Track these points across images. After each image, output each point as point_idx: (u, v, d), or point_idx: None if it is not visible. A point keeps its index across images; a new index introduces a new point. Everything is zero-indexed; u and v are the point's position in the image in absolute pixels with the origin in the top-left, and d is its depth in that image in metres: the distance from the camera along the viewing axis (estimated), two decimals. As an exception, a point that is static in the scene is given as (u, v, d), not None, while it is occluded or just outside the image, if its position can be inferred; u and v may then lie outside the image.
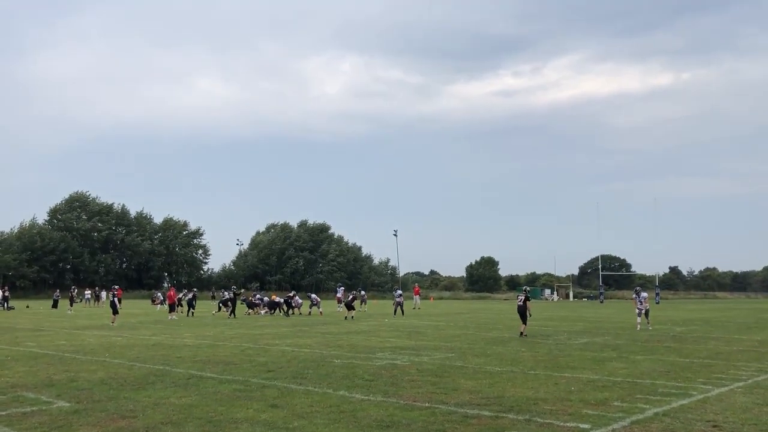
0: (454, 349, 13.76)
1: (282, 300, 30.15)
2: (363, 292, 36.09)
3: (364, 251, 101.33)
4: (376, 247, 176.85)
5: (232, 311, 27.26)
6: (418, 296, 42.10)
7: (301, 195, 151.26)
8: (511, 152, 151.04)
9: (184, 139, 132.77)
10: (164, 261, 77.68)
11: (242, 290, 68.34)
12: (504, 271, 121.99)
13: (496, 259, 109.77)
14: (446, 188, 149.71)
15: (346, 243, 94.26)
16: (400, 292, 29.88)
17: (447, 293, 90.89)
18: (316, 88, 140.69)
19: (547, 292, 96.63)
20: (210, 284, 74.91)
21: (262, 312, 29.39)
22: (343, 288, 38.25)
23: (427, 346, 14.40)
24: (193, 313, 29.31)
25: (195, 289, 33.93)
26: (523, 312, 17.39)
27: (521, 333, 17.19)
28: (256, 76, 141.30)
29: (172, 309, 26.98)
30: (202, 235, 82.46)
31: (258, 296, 33.32)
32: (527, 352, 13.19)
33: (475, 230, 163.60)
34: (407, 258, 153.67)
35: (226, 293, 38.63)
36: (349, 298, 26.78)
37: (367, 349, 13.85)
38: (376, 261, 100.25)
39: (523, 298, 17.75)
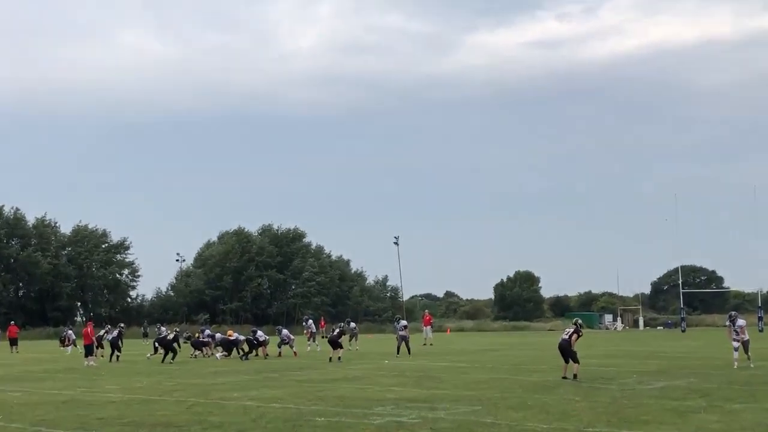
0: (482, 401, 13.79)
1: (241, 338, 30.20)
2: (353, 325, 36.13)
3: (354, 266, 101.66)
4: (371, 261, 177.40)
5: (173, 354, 27.33)
6: (429, 327, 42.21)
7: (264, 191, 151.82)
8: (554, 127, 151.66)
9: (101, 114, 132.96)
10: (76, 286, 77.71)
11: (181, 325, 68.39)
12: (547, 290, 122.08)
13: (536, 275, 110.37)
14: (465, 180, 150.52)
15: (328, 256, 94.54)
16: (404, 323, 29.84)
17: (469, 323, 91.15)
18: (284, 41, 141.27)
19: (608, 318, 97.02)
20: (141, 317, 74.92)
21: (218, 355, 29.45)
22: (311, 320, 38.08)
23: (443, 397, 14.43)
24: (118, 357, 29.36)
25: (121, 325, 33.98)
26: (566, 350, 17.48)
27: (574, 375, 17.31)
28: (201, 26, 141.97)
29: (89, 352, 26.97)
30: (128, 248, 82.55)
31: (207, 332, 33.36)
32: (582, 402, 13.23)
33: (507, 236, 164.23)
34: (413, 275, 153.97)
35: (163, 329, 38.70)
36: (334, 333, 26.86)
37: (362, 402, 13.87)
38: (370, 280, 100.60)
39: (571, 332, 17.83)
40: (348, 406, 13.35)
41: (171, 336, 28.48)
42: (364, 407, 13.06)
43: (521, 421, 11.19)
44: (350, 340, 34.73)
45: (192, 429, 10.96)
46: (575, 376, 17.27)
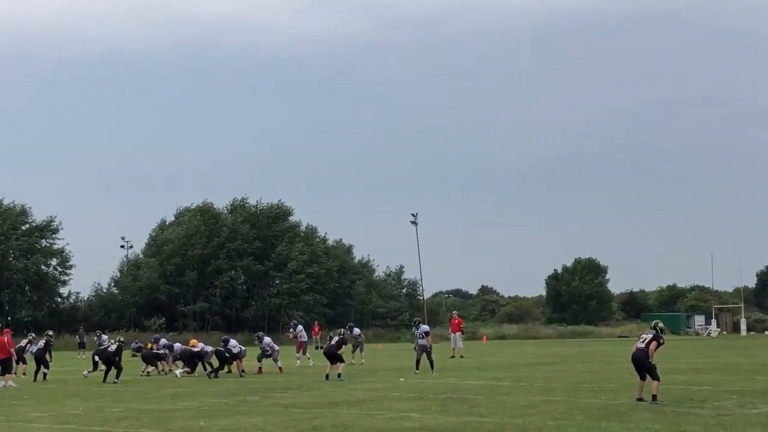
0: (529, 430, 13.81)
1: (208, 349, 30.34)
2: (357, 331, 36.23)
3: (358, 254, 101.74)
4: (380, 248, 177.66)
5: (118, 371, 27.48)
6: (459, 335, 42.26)
7: (237, 155, 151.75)
8: (622, 69, 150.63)
9: (17, 50, 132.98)
10: (-13, 280, 78.25)
11: (128, 332, 68.61)
12: (617, 284, 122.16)
13: (602, 264, 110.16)
14: (505, 141, 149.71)
15: (323, 240, 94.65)
16: (425, 328, 29.76)
17: (513, 328, 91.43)
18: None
19: (699, 320, 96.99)
20: (75, 322, 75.52)
21: (177, 371, 29.62)
22: (301, 326, 37.85)
23: (478, 427, 14.45)
24: (45, 374, 29.53)
25: (49, 333, 34.13)
26: (643, 362, 17.47)
27: (653, 397, 17.34)
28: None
29: (6, 369, 27.12)
30: (56, 231, 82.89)
31: (163, 342, 33.49)
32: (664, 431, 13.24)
33: (562, 214, 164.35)
34: (437, 266, 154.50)
35: (104, 338, 38.84)
36: (332, 342, 26.90)
37: (369, 433, 13.90)
38: (379, 272, 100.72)
39: (649, 339, 17.78)
40: (351, 438, 13.38)
41: (114, 347, 28.63)
42: (372, 440, 13.09)
43: (583, 457, 11.20)
44: (353, 352, 34.78)
45: (144, 469, 11.04)
46: (654, 397, 17.29)
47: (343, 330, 30.12)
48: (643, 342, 17.93)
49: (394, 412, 17.00)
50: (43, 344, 30.81)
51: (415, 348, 29.39)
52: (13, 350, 27.83)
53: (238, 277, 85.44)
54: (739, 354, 39.31)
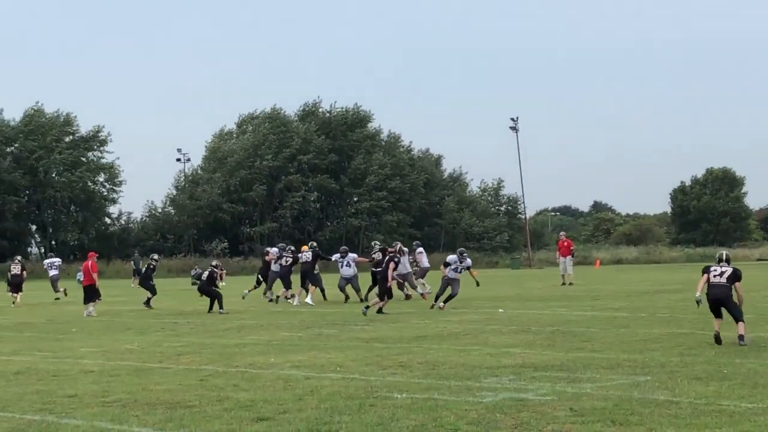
0: (651, 368, 13.77)
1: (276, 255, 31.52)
2: (420, 250, 35.23)
3: (449, 167, 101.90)
4: (475, 158, 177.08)
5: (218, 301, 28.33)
6: (569, 258, 42.12)
7: (306, 51, 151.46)
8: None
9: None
10: (28, 200, 79.98)
11: (180, 256, 69.85)
12: (756, 199, 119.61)
13: (739, 175, 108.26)
14: (620, 25, 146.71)
15: (408, 150, 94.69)
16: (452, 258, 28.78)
17: (632, 251, 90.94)
18: None
19: None
20: (127, 245, 77.17)
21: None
22: (420, 249, 37.10)
23: (591, 362, 14.45)
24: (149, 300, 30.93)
25: (155, 257, 34.81)
26: (726, 301, 16.58)
27: (740, 337, 16.30)
28: None
29: (89, 296, 28.95)
30: (104, 143, 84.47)
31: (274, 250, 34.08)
32: (812, 370, 13.08)
33: (690, 116, 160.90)
34: (542, 179, 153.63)
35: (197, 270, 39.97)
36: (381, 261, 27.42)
37: (463, 371, 14.05)
38: (473, 187, 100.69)
39: (729, 273, 16.75)
40: (443, 376, 13.52)
41: (206, 274, 29.34)
42: (467, 378, 13.21)
43: (713, 397, 11.15)
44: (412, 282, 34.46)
45: (208, 410, 11.27)
46: (742, 337, 16.31)
47: (394, 246, 29.93)
48: (721, 276, 16.88)
49: (492, 347, 17.09)
50: (144, 270, 33.20)
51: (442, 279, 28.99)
52: (96, 276, 29.45)
53: (311, 195, 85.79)
54: None
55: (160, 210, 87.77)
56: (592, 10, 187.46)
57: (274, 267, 32.62)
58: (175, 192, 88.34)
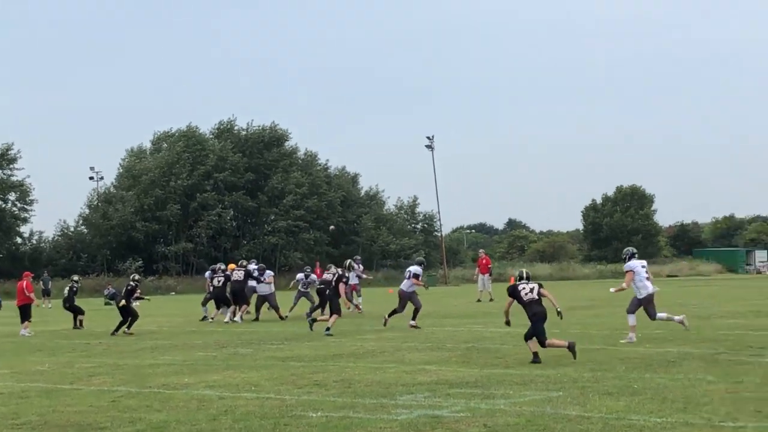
0: (563, 383, 13.91)
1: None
2: (357, 267, 35.76)
3: (365, 185, 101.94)
4: (391, 177, 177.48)
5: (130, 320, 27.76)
6: (487, 276, 42.38)
7: (223, 70, 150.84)
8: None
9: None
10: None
11: (93, 275, 69.06)
12: (665, 216, 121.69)
13: (649, 192, 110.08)
14: (533, 47, 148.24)
15: (324, 168, 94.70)
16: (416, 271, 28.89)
17: (545, 267, 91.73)
18: None
19: (761, 256, 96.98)
20: (38, 265, 75.92)
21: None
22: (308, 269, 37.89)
23: (504, 379, 14.56)
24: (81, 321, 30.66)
25: (75, 278, 34.26)
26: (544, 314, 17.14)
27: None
28: None
29: (24, 316, 28.78)
30: (14, 161, 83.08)
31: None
32: (718, 384, 13.32)
33: (601, 134, 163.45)
34: (457, 197, 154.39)
35: (111, 289, 39.13)
36: (330, 279, 26.96)
37: (379, 388, 14.07)
38: (390, 205, 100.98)
39: (534, 288, 17.38)
40: (358, 394, 13.53)
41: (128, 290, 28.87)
42: (382, 396, 13.24)
43: (623, 412, 11.30)
44: (352, 296, 34.82)
45: (121, 431, 11.18)
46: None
47: (340, 267, 29.66)
48: (531, 292, 17.47)
49: (408, 364, 17.14)
50: (66, 292, 32.08)
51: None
52: (33, 296, 29.45)
53: (227, 213, 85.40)
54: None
55: (72, 229, 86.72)
56: (505, 29, 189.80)
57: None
58: (88, 210, 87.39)
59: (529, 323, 17.18)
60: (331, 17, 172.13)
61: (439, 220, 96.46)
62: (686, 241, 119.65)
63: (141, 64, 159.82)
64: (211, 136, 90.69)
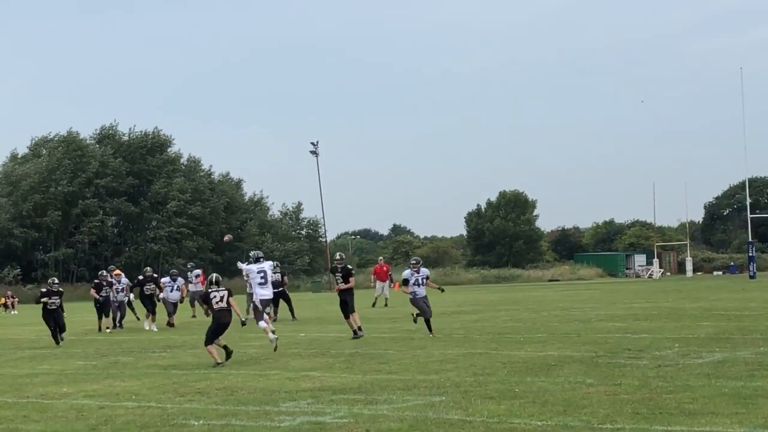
0: (446, 388, 13.99)
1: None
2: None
3: (249, 190, 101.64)
4: (275, 182, 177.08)
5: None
6: (386, 283, 42.38)
7: (103, 72, 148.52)
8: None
9: None
10: None
11: None
12: (548, 221, 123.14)
13: (531, 198, 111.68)
14: (418, 55, 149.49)
15: (208, 174, 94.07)
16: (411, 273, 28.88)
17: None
18: None
19: (640, 260, 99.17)
20: None
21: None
22: (200, 271, 38.06)
23: (388, 384, 14.59)
24: None
25: None
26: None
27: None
28: None
29: None
30: None
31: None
32: (597, 386, 13.53)
33: (484, 140, 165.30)
34: (342, 203, 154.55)
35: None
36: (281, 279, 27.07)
37: (262, 396, 14.02)
38: (274, 211, 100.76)
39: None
40: (241, 402, 13.46)
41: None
42: (265, 403, 13.19)
43: (505, 415, 11.40)
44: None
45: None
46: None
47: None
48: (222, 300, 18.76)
49: (291, 371, 17.08)
50: None
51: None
52: None
53: (109, 219, 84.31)
54: (684, 297, 40.29)
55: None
56: (391, 33, 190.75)
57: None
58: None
59: None
60: (210, 19, 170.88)
61: (324, 225, 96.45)
62: (567, 246, 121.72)
63: (17, 66, 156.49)
64: (92, 141, 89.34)
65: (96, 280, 31.66)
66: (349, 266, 25.24)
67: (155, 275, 33.06)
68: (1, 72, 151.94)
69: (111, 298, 30.60)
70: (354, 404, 12.74)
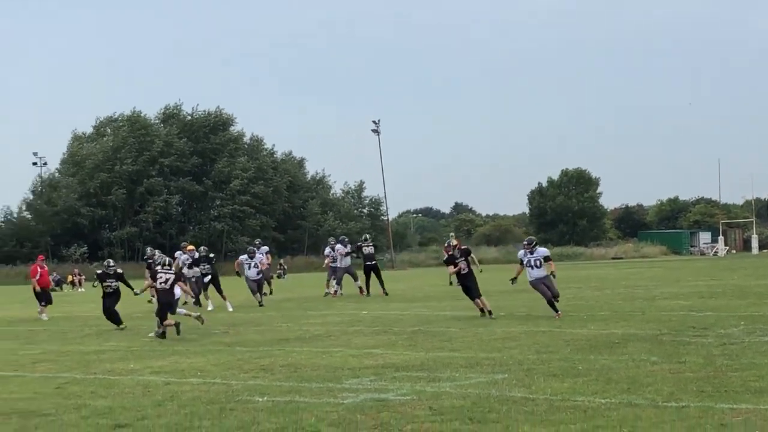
0: (509, 365, 13.98)
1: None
2: (261, 252, 34.97)
3: (312, 169, 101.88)
4: (337, 161, 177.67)
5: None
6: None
7: (167, 53, 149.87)
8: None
9: None
10: None
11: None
12: (610, 199, 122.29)
13: (594, 175, 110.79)
14: (480, 37, 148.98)
15: (271, 153, 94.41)
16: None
17: (491, 251, 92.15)
18: None
19: (704, 238, 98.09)
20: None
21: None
22: (266, 248, 37.81)
23: (450, 362, 14.61)
24: None
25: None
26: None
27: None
28: None
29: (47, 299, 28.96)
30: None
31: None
32: (661, 364, 13.46)
33: (546, 118, 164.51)
34: (404, 182, 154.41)
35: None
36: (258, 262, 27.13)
37: (325, 372, 14.09)
38: (336, 189, 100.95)
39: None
40: (304, 379, 13.54)
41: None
42: (328, 380, 13.24)
43: (568, 393, 11.38)
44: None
45: (64, 418, 11.06)
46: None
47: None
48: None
49: (354, 348, 17.15)
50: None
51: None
52: (35, 281, 29.38)
53: (173, 198, 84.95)
54: (749, 275, 39.87)
55: (16, 215, 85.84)
56: (446, 11, 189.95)
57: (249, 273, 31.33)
58: (31, 196, 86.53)
59: None
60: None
61: (386, 204, 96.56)
62: (631, 224, 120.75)
63: (83, 48, 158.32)
64: (156, 121, 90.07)
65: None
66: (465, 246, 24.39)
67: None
68: (66, 54, 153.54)
69: (189, 276, 29.74)
70: (417, 381, 12.77)
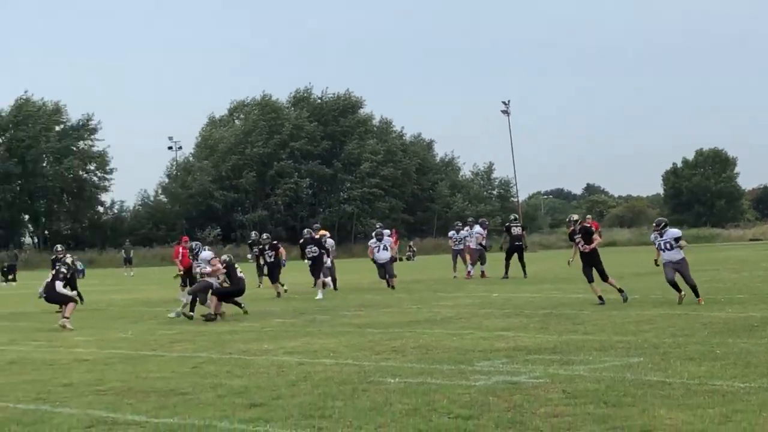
0: (644, 349, 13.81)
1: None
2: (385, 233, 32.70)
3: (440, 151, 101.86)
4: (466, 143, 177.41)
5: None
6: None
7: (293, 36, 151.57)
8: None
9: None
10: (20, 189, 79.79)
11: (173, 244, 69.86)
12: (748, 179, 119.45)
13: (731, 155, 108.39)
14: (613, 18, 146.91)
15: (400, 136, 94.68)
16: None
17: (624, 232, 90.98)
18: None
19: None
20: (119, 235, 77.09)
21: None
22: (389, 231, 36.13)
23: (584, 345, 14.50)
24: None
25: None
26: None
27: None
28: None
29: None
30: (94, 132, 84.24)
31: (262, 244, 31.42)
32: (804, 349, 13.15)
33: (680, 94, 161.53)
34: (534, 162, 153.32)
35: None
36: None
37: (456, 355, 14.11)
38: (465, 171, 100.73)
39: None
40: (436, 361, 13.57)
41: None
42: (460, 362, 13.26)
43: (705, 377, 11.20)
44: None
45: (201, 397, 11.31)
46: None
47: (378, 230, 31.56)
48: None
49: (485, 330, 17.15)
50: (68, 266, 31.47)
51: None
52: (178, 261, 28.26)
53: (303, 181, 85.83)
54: None
55: (152, 198, 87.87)
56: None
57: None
58: (167, 180, 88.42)
59: None
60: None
61: (516, 185, 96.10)
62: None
63: (215, 34, 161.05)
64: (287, 105, 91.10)
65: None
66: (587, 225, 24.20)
67: (274, 241, 31.65)
68: (203, 39, 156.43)
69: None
70: (549, 364, 12.71)
